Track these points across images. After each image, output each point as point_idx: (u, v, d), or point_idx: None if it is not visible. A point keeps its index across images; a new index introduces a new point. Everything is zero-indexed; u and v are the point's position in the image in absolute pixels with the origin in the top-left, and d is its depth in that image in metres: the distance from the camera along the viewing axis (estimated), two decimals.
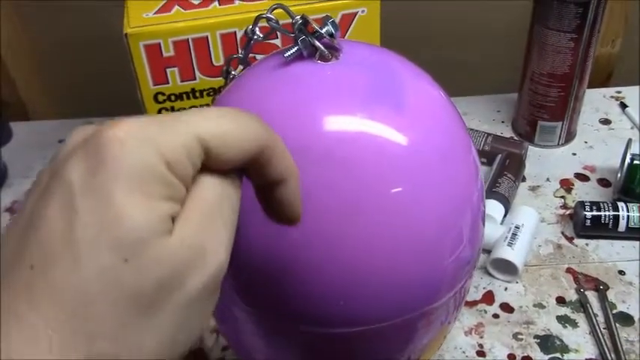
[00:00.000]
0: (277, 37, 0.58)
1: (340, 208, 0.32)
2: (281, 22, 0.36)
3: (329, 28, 0.33)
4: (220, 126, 0.24)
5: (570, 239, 0.67)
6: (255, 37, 0.36)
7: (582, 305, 0.60)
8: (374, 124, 0.32)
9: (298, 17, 0.33)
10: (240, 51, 0.38)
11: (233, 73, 0.38)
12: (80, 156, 0.23)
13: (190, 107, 0.61)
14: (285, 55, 0.33)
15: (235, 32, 0.57)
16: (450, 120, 0.37)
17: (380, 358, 0.38)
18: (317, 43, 0.33)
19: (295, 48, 0.33)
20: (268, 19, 0.34)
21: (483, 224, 0.41)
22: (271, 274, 0.33)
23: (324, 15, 0.36)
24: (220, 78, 0.60)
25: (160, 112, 0.61)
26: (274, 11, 0.35)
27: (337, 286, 0.32)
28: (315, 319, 0.33)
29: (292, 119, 0.32)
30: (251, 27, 0.36)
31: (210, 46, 0.58)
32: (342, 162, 0.32)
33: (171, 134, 0.23)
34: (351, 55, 0.34)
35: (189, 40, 0.57)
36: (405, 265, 0.34)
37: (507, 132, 0.82)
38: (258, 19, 0.35)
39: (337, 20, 0.53)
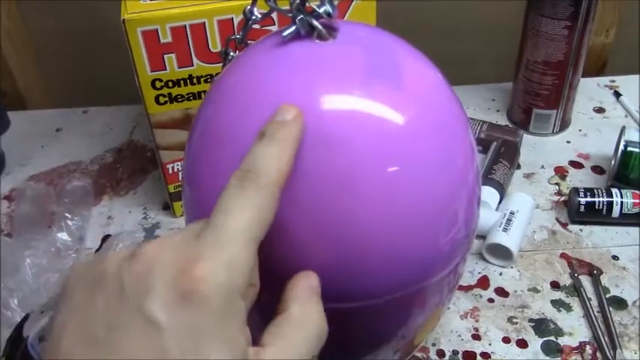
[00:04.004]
0: (274, 24, 0.58)
1: (336, 186, 0.32)
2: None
3: (327, 7, 0.33)
4: None
5: (564, 225, 0.68)
6: (254, 17, 0.36)
7: (576, 289, 0.61)
8: (371, 103, 0.33)
9: None
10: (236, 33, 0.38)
11: (232, 54, 0.39)
12: (168, 295, 0.25)
13: (187, 94, 0.61)
14: (283, 34, 0.34)
15: (232, 18, 0.58)
16: (448, 101, 0.37)
17: (375, 335, 0.39)
18: (315, 23, 0.33)
19: (293, 27, 0.33)
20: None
21: (478, 207, 0.42)
22: (266, 251, 0.33)
23: None
24: (217, 64, 0.60)
25: (157, 98, 0.61)
26: None
27: (334, 262, 0.33)
28: None
29: (289, 98, 0.32)
30: (249, 7, 0.36)
31: (208, 32, 0.58)
32: (339, 140, 0.32)
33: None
34: (349, 35, 0.35)
35: (187, 27, 0.57)
36: (400, 242, 0.34)
37: (502, 121, 0.82)
38: None
39: None
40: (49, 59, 0.97)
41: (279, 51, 0.34)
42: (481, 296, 0.61)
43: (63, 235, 0.66)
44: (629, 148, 0.68)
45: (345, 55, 0.34)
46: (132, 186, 0.76)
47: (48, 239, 0.65)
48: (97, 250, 0.66)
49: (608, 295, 0.60)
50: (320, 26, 0.33)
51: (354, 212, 0.33)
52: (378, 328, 0.38)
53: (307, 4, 0.33)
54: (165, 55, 0.59)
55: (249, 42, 0.39)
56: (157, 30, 0.57)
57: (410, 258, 0.34)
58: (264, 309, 0.36)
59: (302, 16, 0.33)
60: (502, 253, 0.63)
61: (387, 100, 0.33)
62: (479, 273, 0.63)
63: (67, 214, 0.69)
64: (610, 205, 0.66)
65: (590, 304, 0.59)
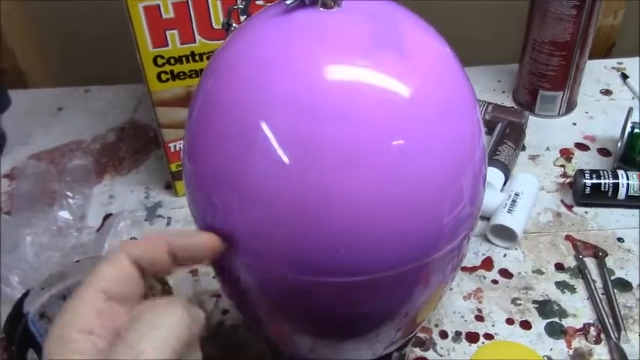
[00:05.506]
0: None
1: (339, 159, 0.32)
2: None
3: None
4: None
5: (570, 207, 0.67)
6: None
7: (581, 271, 0.61)
8: (376, 74, 0.32)
9: None
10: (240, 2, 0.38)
11: (234, 25, 0.38)
12: None
13: (190, 71, 0.61)
14: (287, 2, 0.33)
15: None
16: (455, 74, 0.36)
17: (377, 310, 0.38)
18: None
19: None
20: None
21: (484, 185, 0.41)
22: (271, 223, 0.33)
23: None
24: (220, 41, 0.60)
25: (159, 75, 0.60)
26: None
27: (337, 234, 0.32)
28: (316, 268, 0.33)
29: (293, 68, 0.32)
30: None
31: (210, 8, 0.57)
32: (342, 111, 0.31)
33: None
34: (353, 3, 0.34)
35: (189, 2, 0.57)
36: (404, 217, 0.33)
37: (508, 102, 0.82)
38: None
39: None
40: (50, 38, 0.96)
41: (282, 19, 0.34)
42: (485, 277, 0.61)
43: (64, 214, 0.66)
44: (635, 130, 0.68)
45: (349, 24, 0.33)
46: (134, 165, 0.76)
47: (49, 217, 0.65)
48: (99, 229, 0.66)
49: (612, 277, 0.60)
50: None
51: (357, 186, 0.32)
52: (380, 303, 0.37)
53: None
54: (167, 32, 0.58)
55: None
56: (158, 5, 0.56)
57: (414, 233, 0.34)
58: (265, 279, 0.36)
59: None
60: (506, 234, 0.63)
61: (392, 71, 0.32)
62: (483, 254, 0.63)
63: (68, 193, 0.68)
64: (616, 187, 0.65)
65: (594, 286, 0.59)
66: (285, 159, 0.32)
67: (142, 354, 0.26)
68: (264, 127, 0.32)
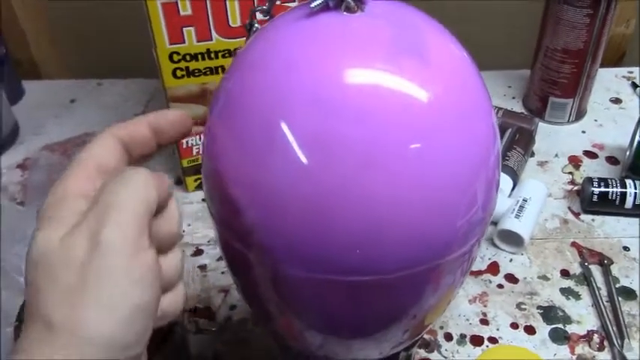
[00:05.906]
0: (295, 0, 0.58)
1: (356, 159, 0.32)
2: None
3: None
4: None
5: (577, 214, 0.68)
6: None
7: (586, 278, 0.61)
8: (396, 78, 0.33)
9: None
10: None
11: (256, 26, 0.38)
12: None
13: (205, 68, 0.61)
14: (311, 5, 0.33)
15: None
16: (473, 79, 0.37)
17: (387, 311, 0.39)
18: None
19: None
20: None
21: (497, 190, 0.41)
22: (288, 222, 0.33)
23: None
24: (237, 39, 0.60)
25: (174, 72, 0.61)
26: None
27: (353, 235, 0.33)
28: (329, 267, 0.33)
29: (315, 69, 0.32)
30: None
31: (228, 6, 0.58)
32: (361, 113, 0.32)
33: None
34: (377, 8, 0.34)
35: (207, 0, 0.57)
36: (419, 219, 0.34)
37: (518, 108, 0.82)
38: None
39: None
40: (64, 30, 0.97)
41: (305, 22, 0.34)
42: (490, 281, 0.61)
43: None
44: None
45: (372, 28, 0.34)
46: (144, 160, 0.76)
47: None
48: None
49: (617, 285, 0.60)
50: None
51: (374, 188, 0.32)
52: (391, 304, 0.38)
53: None
54: (184, 28, 0.59)
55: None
56: (176, 2, 0.57)
57: (428, 235, 0.34)
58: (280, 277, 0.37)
59: None
60: (513, 239, 0.63)
61: (412, 75, 0.33)
62: (489, 259, 0.63)
63: None
64: (623, 195, 0.66)
65: (599, 294, 0.59)
66: (304, 159, 0.32)
67: (115, 204, 0.29)
68: (285, 126, 0.32)
